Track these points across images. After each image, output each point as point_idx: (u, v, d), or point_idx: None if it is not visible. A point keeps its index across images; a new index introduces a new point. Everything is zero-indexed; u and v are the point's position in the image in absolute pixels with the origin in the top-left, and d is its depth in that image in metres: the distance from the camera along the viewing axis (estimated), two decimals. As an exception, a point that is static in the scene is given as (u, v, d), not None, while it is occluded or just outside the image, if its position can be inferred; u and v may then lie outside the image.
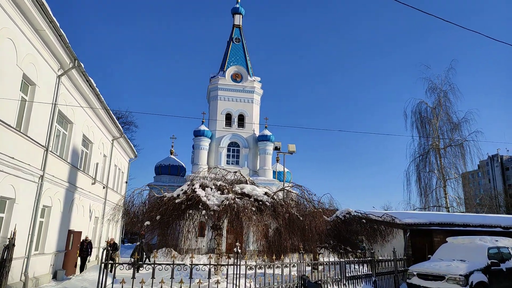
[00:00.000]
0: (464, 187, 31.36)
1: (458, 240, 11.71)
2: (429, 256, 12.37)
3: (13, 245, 6.79)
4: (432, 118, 30.20)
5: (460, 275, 9.53)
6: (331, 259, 11.53)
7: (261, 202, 10.30)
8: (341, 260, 10.13)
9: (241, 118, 42.26)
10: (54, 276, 14.71)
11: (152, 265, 6.61)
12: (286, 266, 8.22)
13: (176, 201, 10.01)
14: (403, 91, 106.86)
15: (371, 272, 11.25)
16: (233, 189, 10.67)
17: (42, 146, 12.66)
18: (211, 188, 10.62)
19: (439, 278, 9.84)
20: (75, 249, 16.59)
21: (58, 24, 11.68)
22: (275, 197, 10.79)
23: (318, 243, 11.94)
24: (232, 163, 39.62)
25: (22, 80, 11.23)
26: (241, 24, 47.78)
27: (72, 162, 15.96)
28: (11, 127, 10.36)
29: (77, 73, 14.60)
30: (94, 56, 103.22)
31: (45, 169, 12.78)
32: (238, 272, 6.84)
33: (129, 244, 44.15)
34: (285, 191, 11.26)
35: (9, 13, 9.85)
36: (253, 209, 9.83)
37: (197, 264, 6.90)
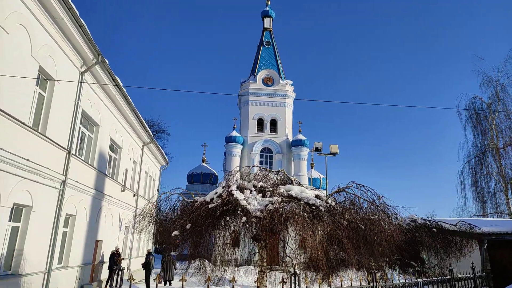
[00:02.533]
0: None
1: None
2: (524, 274, 10.00)
3: None
4: (489, 114, 27.08)
5: None
6: (394, 278, 9.45)
7: (314, 207, 8.46)
8: (419, 280, 8.07)
9: (274, 123, 40.80)
10: (80, 292, 13.51)
11: (180, 293, 5.00)
12: (356, 291, 6.37)
13: (210, 206, 8.38)
14: (453, 85, 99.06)
15: (451, 294, 9.08)
16: (278, 191, 8.91)
17: (64, 148, 11.55)
18: (251, 191, 8.92)
19: (553, 305, 7.57)
20: (94, 261, 15.24)
21: (77, 12, 10.58)
22: (329, 201, 8.91)
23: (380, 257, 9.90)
24: (265, 170, 37.89)
25: (39, 74, 10.16)
26: (271, 27, 46.65)
27: (99, 167, 14.88)
28: (26, 125, 9.22)
29: (101, 71, 13.54)
30: (123, 62, 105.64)
31: (67, 174, 11.65)
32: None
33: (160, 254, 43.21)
34: (344, 193, 9.33)
35: (21, -5, 8.77)
36: (305, 215, 8.02)
37: (241, 291, 5.22)
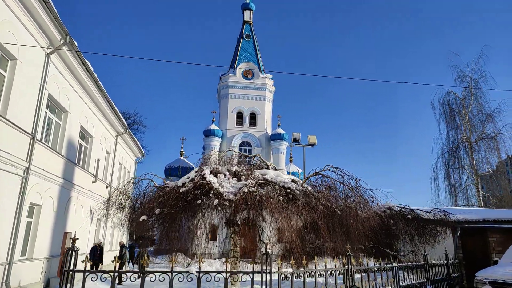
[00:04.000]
0: (500, 182, 28.57)
1: (536, 239, 9.45)
2: (495, 259, 10.13)
3: None
4: (462, 109, 27.73)
5: (555, 283, 7.34)
6: (368, 264, 9.38)
7: (289, 191, 8.23)
8: (394, 265, 8.00)
9: (253, 117, 40.63)
10: (47, 285, 12.87)
11: (140, 274, 4.63)
12: (331, 273, 6.17)
13: (181, 190, 8.02)
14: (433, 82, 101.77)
15: (425, 280, 9.09)
16: (253, 175, 8.63)
17: (28, 133, 10.87)
18: (225, 175, 8.62)
19: (523, 287, 7.65)
20: (63, 254, 14.60)
21: (41, -13, 9.92)
22: (305, 185, 8.70)
23: (356, 243, 9.80)
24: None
25: (-2, 52, 9.46)
26: (251, 20, 46.28)
27: (68, 155, 14.17)
28: (-17, 105, 8.56)
29: (70, 53, 12.82)
30: (99, 56, 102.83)
31: (31, 161, 10.97)
32: (268, 281, 4.78)
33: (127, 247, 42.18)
34: (321, 177, 9.14)
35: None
36: (280, 198, 7.78)
37: (207, 272, 4.89)
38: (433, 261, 9.77)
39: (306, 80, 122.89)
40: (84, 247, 16.93)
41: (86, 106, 15.90)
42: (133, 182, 10.11)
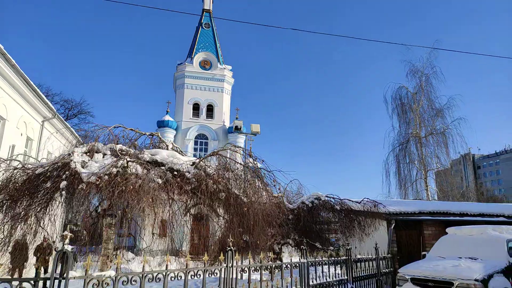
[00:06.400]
0: (448, 178, 29.04)
1: (464, 231, 8.78)
2: (423, 253, 9.44)
3: None
4: (413, 104, 27.78)
5: (476, 279, 6.59)
6: (295, 260, 8.38)
7: (176, 173, 7.00)
8: (302, 260, 6.99)
9: (210, 108, 39.15)
10: None
11: None
12: (195, 275, 4.94)
13: (37, 171, 6.58)
14: (388, 78, 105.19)
15: (346, 277, 8.20)
16: (139, 156, 7.36)
17: None
18: (104, 154, 7.29)
19: (444, 284, 6.88)
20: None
21: None
22: (202, 165, 7.49)
23: (279, 237, 8.79)
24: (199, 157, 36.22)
25: None
26: (211, 8, 44.71)
27: (-37, 138, 12.15)
28: None
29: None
30: (50, 39, 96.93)
31: None
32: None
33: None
34: (223, 159, 7.99)
35: None
36: (159, 181, 6.51)
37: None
38: (358, 256, 8.92)
39: (266, 73, 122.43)
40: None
41: (-8, 83, 13.84)
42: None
